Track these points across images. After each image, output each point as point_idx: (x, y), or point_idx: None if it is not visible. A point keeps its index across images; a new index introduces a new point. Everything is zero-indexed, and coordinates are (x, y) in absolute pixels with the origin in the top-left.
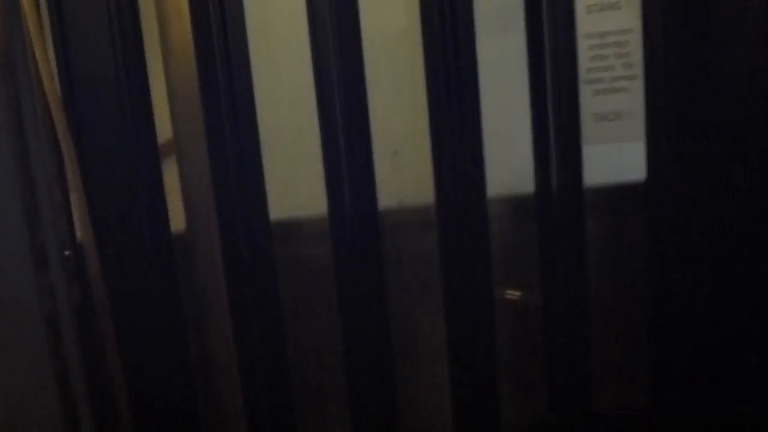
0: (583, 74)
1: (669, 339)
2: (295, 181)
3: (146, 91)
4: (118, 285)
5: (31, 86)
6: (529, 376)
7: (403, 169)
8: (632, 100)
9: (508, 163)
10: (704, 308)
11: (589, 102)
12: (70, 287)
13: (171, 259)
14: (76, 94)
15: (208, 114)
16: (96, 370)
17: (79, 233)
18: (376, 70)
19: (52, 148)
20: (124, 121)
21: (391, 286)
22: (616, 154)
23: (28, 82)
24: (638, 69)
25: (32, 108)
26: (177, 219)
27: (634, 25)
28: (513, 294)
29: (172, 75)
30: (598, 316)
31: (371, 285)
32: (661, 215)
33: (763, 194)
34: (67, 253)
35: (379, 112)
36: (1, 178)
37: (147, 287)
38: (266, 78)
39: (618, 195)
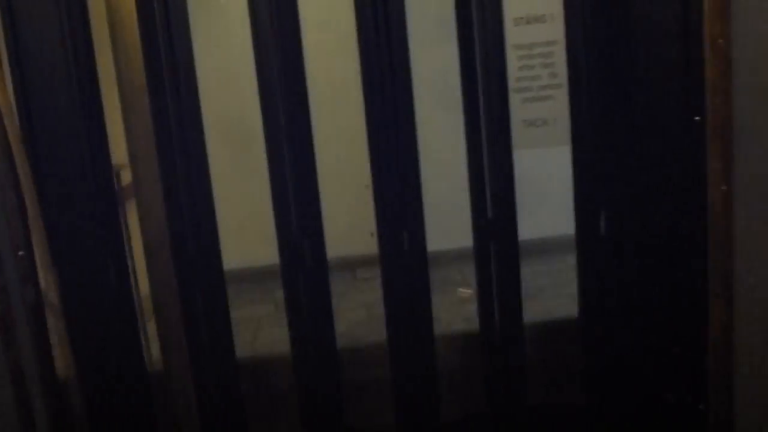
0: (512, 83)
1: (599, 334)
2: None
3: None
4: (69, 287)
5: None
6: (469, 369)
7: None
8: (558, 107)
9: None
10: (631, 304)
11: (519, 109)
12: (24, 287)
13: (123, 261)
14: (30, 112)
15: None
16: (49, 368)
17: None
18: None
19: (4, 153)
20: (77, 138)
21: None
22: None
23: None
24: (563, 78)
25: None
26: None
27: (558, 37)
28: (464, 291)
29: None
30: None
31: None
32: (586, 221)
33: (683, 194)
34: (21, 253)
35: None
36: None
37: (99, 289)
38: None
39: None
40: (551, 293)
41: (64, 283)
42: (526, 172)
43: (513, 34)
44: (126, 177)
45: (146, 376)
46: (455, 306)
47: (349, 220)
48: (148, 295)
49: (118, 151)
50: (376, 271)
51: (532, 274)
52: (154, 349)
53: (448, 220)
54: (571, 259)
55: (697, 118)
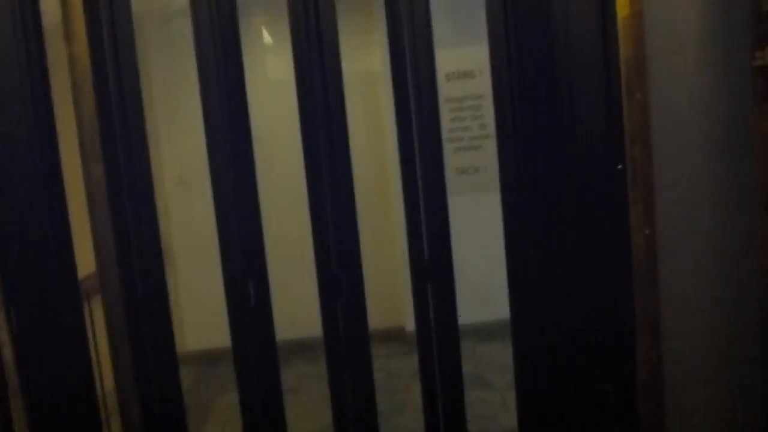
0: (445, 133)
1: (531, 377)
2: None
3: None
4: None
5: None
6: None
7: None
8: (488, 156)
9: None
10: (563, 344)
11: (452, 158)
12: None
13: (87, 356)
14: None
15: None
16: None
17: None
18: None
19: None
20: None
21: None
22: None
23: None
24: (491, 129)
25: None
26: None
27: (486, 92)
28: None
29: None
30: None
31: None
32: (516, 266)
33: (609, 238)
34: None
35: None
36: None
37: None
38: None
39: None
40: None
41: (27, 377)
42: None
43: (445, 88)
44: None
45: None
46: None
47: None
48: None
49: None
50: None
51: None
52: None
53: None
54: None
55: (620, 166)
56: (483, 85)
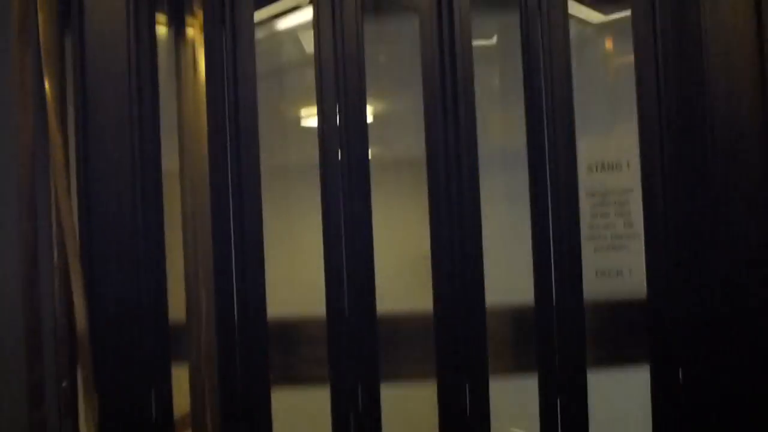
0: (585, 230)
1: None
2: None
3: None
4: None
5: (49, 217)
6: None
7: None
8: (632, 257)
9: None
10: None
11: (591, 258)
12: (63, 423)
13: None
14: (92, 234)
15: None
16: None
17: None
18: None
19: (62, 284)
20: (135, 261)
21: None
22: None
23: (46, 213)
24: (639, 227)
25: (48, 241)
26: None
27: (634, 186)
28: None
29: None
30: None
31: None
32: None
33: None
34: (64, 384)
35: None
36: (7, 309)
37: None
38: None
39: None
40: None
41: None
42: None
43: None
44: None
45: None
46: None
47: None
48: None
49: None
50: None
51: None
52: None
53: None
54: None
55: None
56: (631, 177)
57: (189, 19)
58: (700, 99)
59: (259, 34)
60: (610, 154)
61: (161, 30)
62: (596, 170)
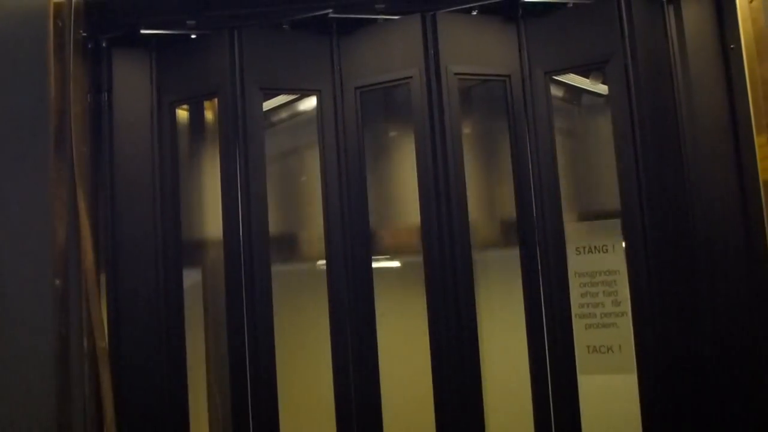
0: (575, 309)
1: None
2: None
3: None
4: None
5: (80, 318)
6: None
7: None
8: (622, 334)
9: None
10: None
11: (583, 335)
12: None
13: None
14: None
15: None
16: None
17: None
18: None
19: (91, 365)
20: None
21: None
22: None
23: (78, 314)
24: (626, 306)
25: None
26: None
27: (620, 267)
28: None
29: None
30: None
31: None
32: None
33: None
34: None
35: None
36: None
37: None
38: None
39: None
40: None
41: None
42: None
43: (575, 262)
44: None
45: None
46: None
47: None
48: None
49: None
50: None
51: None
52: None
53: None
54: None
55: None
56: (617, 260)
57: None
58: (680, 185)
59: None
60: (596, 238)
61: None
62: (583, 253)
